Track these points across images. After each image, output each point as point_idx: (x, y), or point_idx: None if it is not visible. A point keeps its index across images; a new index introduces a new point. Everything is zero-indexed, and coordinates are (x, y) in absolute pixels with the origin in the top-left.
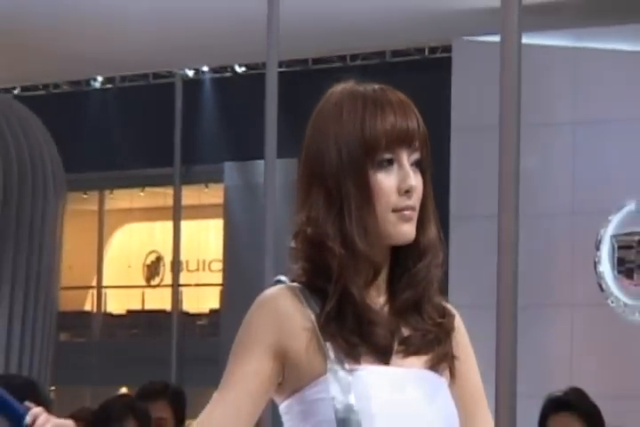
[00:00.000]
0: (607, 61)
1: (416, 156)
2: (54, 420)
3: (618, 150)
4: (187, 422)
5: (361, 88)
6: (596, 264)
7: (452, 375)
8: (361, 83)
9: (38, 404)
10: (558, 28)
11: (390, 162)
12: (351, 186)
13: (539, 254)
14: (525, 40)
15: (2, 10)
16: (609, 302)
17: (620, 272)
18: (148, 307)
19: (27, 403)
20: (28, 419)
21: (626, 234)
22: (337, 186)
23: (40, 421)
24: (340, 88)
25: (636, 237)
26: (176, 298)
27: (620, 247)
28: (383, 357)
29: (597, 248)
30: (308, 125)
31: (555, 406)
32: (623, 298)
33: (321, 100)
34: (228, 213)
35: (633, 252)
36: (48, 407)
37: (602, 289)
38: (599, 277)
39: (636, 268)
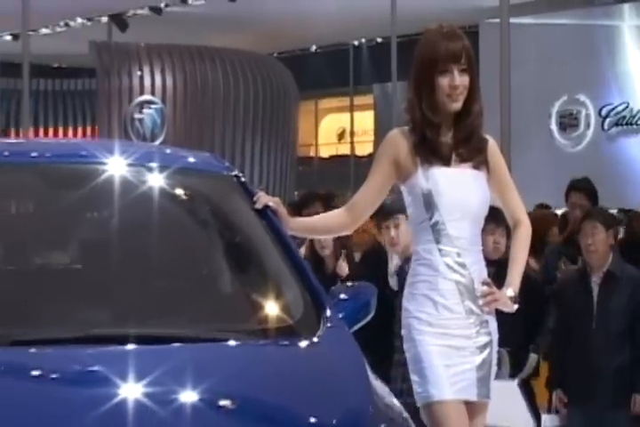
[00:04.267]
0: (557, 31)
1: (464, 66)
2: (270, 197)
3: (560, 67)
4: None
5: (438, 27)
6: (548, 125)
7: (488, 171)
8: (441, 25)
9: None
10: (528, 15)
11: (446, 71)
12: (425, 83)
13: (520, 119)
14: (512, 20)
15: (260, 9)
16: (556, 143)
17: (560, 128)
18: (339, 153)
19: (256, 189)
20: (255, 197)
21: (564, 110)
22: (419, 83)
23: (261, 197)
24: (431, 27)
25: (568, 112)
26: (352, 149)
27: (560, 116)
28: (446, 162)
29: (549, 117)
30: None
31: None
32: (561, 140)
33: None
34: (376, 108)
35: (567, 119)
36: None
37: (552, 137)
38: (550, 131)
39: (567, 126)
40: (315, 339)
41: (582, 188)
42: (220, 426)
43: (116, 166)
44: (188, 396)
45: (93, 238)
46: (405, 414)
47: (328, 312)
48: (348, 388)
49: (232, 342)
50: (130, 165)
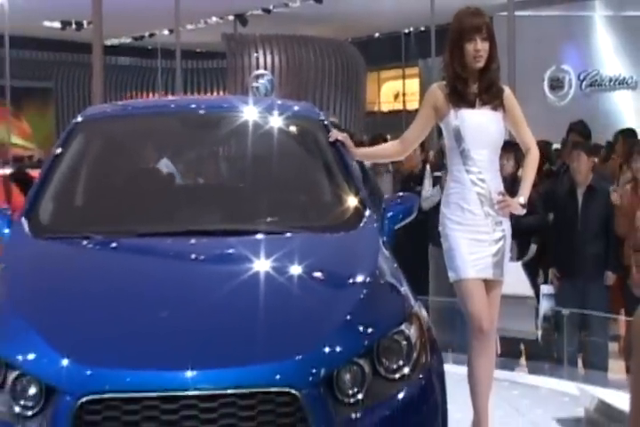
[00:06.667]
0: (548, 20)
1: (484, 35)
2: (339, 133)
3: (550, 46)
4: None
5: (466, 8)
6: (542, 87)
7: (504, 111)
8: (468, 6)
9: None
10: (528, 9)
11: (471, 39)
12: (456, 49)
13: (521, 83)
14: (516, 13)
15: (338, 8)
16: (547, 100)
17: (550, 89)
18: (395, 109)
19: (332, 129)
20: (329, 133)
21: (553, 76)
22: (452, 49)
23: (333, 133)
24: (461, 8)
25: (556, 77)
26: (404, 105)
27: (551, 80)
28: (472, 106)
29: (542, 81)
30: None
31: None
32: (551, 97)
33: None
34: (421, 76)
35: (555, 82)
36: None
37: (544, 95)
38: (543, 91)
39: (556, 87)
40: (355, 231)
41: (577, 128)
42: (300, 283)
43: (249, 113)
44: (283, 266)
45: (231, 162)
46: (405, 287)
47: (367, 213)
48: (365, 259)
49: (309, 234)
50: (258, 112)
